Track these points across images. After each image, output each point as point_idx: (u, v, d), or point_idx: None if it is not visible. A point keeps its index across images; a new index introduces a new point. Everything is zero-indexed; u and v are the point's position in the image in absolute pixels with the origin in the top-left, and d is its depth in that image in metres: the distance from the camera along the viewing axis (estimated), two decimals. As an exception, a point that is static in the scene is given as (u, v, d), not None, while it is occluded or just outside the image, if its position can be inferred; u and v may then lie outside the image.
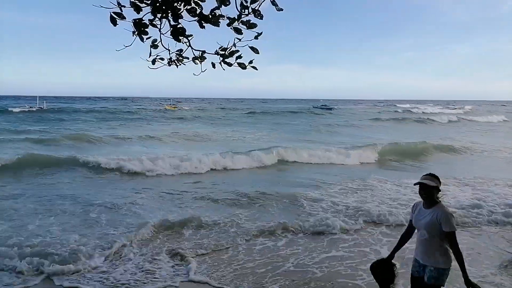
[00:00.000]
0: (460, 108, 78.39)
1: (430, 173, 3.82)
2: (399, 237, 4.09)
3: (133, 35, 2.64)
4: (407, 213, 7.52)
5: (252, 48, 2.53)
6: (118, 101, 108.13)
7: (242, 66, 2.42)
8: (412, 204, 3.97)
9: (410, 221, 3.94)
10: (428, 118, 45.93)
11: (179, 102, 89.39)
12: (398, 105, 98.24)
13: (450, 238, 3.58)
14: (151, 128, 30.95)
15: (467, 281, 3.47)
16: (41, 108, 52.28)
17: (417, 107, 79.77)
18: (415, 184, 3.76)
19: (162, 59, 2.65)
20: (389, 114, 55.39)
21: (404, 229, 4.13)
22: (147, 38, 2.68)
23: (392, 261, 4.02)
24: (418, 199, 3.83)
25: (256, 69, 2.42)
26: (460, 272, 3.49)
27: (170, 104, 67.34)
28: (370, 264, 4.13)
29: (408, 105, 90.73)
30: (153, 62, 2.58)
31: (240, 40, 2.57)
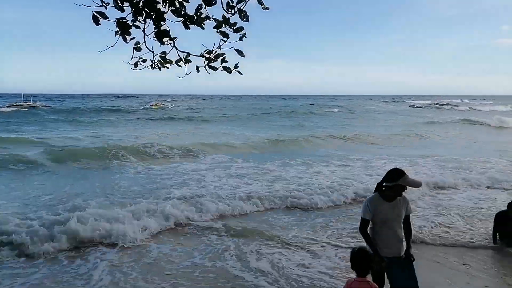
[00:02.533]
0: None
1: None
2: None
3: (116, 35, 2.59)
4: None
5: (238, 51, 2.49)
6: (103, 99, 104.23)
7: (228, 70, 2.38)
8: (367, 202, 3.89)
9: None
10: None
11: (167, 100, 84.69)
12: (406, 100, 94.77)
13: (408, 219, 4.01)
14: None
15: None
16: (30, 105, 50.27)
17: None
18: (404, 185, 3.77)
19: (144, 61, 2.59)
20: (448, 114, 47.54)
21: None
22: (130, 39, 2.62)
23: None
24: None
25: (241, 74, 2.39)
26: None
27: (158, 102, 63.76)
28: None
29: (422, 101, 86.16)
30: (136, 64, 2.52)
31: (225, 41, 2.54)
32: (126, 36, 2.58)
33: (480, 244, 6.78)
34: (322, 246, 6.65)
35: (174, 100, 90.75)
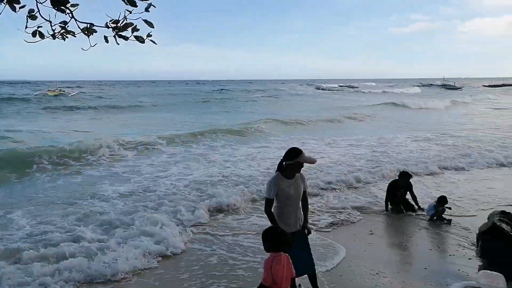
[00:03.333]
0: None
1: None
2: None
3: (1, 3, 2.26)
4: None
5: (146, 22, 2.34)
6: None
7: (140, 40, 2.23)
8: (271, 182, 4.14)
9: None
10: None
11: (69, 87, 73.98)
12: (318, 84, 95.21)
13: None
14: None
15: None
16: None
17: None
18: (302, 162, 4.08)
19: (42, 35, 2.28)
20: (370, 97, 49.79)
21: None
22: (20, 7, 2.31)
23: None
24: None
25: (155, 43, 2.26)
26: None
27: (54, 89, 54.31)
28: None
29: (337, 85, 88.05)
30: (34, 34, 2.23)
31: (130, 12, 2.37)
32: (15, 5, 2.26)
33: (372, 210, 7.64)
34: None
35: (78, 87, 79.98)
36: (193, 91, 65.96)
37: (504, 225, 5.70)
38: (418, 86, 77.58)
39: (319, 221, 6.97)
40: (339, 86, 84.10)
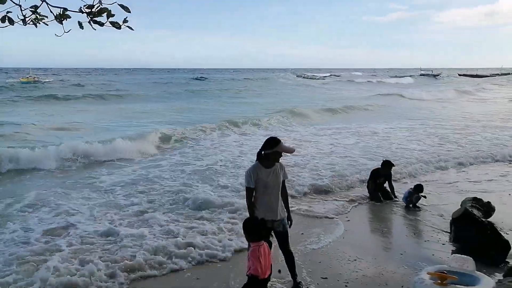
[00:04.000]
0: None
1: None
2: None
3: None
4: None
5: (122, 6, 2.26)
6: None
7: (116, 26, 2.16)
8: (249, 171, 4.19)
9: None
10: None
11: (44, 74, 69.88)
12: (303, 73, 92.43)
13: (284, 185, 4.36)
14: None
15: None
16: None
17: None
18: (281, 151, 4.14)
19: (11, 21, 2.18)
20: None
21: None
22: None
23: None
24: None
25: (132, 29, 2.19)
26: None
27: (27, 77, 51.65)
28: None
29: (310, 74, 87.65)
30: (3, 19, 2.13)
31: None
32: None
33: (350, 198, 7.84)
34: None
35: (53, 74, 76.23)
36: (177, 79, 64.33)
37: (475, 211, 5.92)
38: (402, 76, 76.62)
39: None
40: (327, 76, 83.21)
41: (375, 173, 7.86)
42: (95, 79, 61.35)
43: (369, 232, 6.37)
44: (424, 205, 7.27)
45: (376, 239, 6.01)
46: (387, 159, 8.27)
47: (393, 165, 8.00)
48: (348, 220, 6.65)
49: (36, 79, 50.27)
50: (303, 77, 73.72)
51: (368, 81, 64.22)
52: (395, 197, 7.73)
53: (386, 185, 7.89)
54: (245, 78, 64.96)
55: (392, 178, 8.00)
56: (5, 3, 2.18)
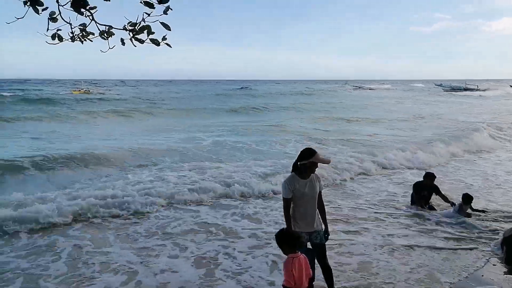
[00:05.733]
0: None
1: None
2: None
3: (25, 5, 2.33)
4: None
5: (164, 24, 2.36)
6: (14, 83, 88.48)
7: (156, 42, 2.26)
8: (286, 182, 4.16)
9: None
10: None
11: (96, 86, 72.08)
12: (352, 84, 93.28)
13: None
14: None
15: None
16: None
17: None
18: (317, 162, 4.08)
19: (60, 38, 2.34)
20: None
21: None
22: (43, 10, 2.37)
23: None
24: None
25: (170, 46, 2.27)
26: None
27: (79, 89, 53.18)
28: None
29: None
30: (53, 37, 2.29)
31: (149, 15, 2.40)
32: (38, 7, 2.33)
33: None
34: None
35: (95, 85, 78.91)
36: (230, 90, 63.09)
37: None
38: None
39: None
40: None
41: (417, 186, 7.72)
42: (148, 91, 60.09)
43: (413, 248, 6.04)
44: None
45: (417, 257, 5.71)
46: (429, 171, 8.03)
47: (435, 176, 7.74)
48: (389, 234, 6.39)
49: (88, 91, 52.36)
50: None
51: (464, 95, 56.89)
52: (453, 204, 7.44)
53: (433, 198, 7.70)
54: (305, 88, 61.56)
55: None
56: (57, 21, 2.35)
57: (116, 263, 5.40)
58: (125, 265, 5.34)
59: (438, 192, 7.68)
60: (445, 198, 7.60)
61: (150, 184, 8.75)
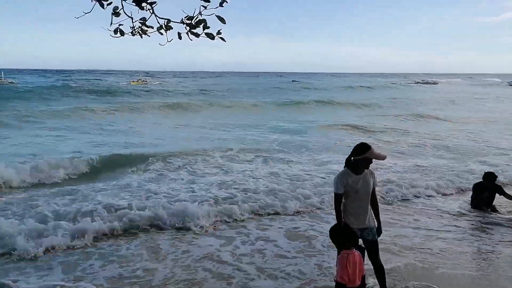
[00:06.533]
0: None
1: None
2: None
3: (92, 0, 2.47)
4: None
5: (219, 18, 2.39)
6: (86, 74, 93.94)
7: (210, 36, 2.30)
8: (338, 177, 4.06)
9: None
10: None
11: (152, 76, 75.51)
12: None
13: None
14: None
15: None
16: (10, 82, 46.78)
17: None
18: (371, 158, 3.97)
19: (122, 32, 2.46)
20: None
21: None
22: (107, 4, 2.51)
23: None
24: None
25: (224, 40, 2.30)
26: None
27: (137, 80, 55.95)
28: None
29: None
30: (115, 31, 2.41)
31: (205, 8, 2.44)
32: (103, 2, 2.46)
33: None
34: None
35: (156, 77, 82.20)
36: (285, 83, 61.34)
37: None
38: None
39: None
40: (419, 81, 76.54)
41: (477, 187, 7.30)
42: (200, 83, 60.23)
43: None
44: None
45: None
46: (489, 171, 7.51)
47: (496, 176, 7.27)
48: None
49: (145, 81, 54.67)
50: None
51: None
52: None
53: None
54: (364, 81, 59.79)
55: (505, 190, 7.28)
56: (119, 16, 2.47)
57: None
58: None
59: (502, 192, 7.18)
60: (510, 198, 7.13)
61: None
